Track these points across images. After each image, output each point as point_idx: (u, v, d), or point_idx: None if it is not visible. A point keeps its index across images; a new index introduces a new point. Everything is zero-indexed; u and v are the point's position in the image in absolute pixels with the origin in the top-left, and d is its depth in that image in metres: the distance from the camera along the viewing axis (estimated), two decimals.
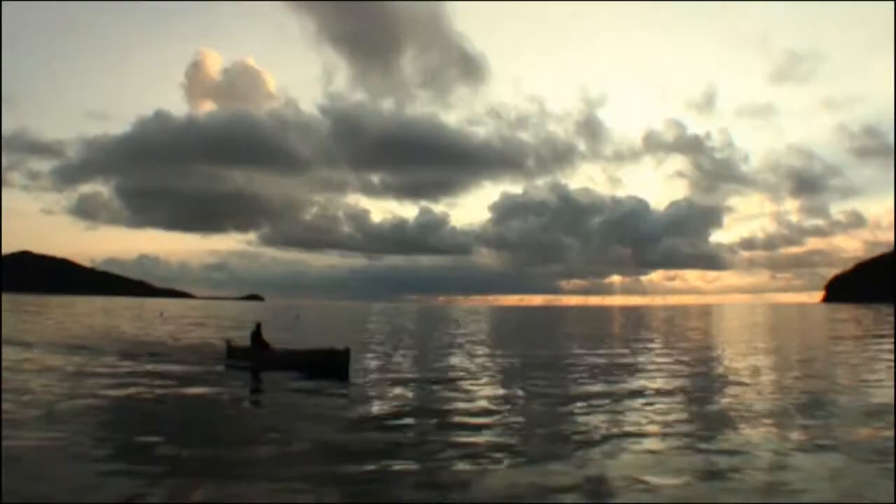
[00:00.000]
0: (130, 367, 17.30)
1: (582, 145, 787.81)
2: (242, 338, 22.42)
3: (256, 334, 19.89)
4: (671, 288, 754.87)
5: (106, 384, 13.98)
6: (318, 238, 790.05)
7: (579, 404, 12.06)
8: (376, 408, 11.75)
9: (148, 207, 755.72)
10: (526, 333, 41.57)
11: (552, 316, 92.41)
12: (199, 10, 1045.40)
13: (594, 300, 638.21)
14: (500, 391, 14.15)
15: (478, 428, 9.90)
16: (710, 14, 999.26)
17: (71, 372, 15.90)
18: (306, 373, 16.38)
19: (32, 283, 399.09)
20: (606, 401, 12.45)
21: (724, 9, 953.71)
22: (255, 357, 18.83)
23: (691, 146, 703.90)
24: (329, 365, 16.91)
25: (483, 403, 12.24)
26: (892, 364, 19.42)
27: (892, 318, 59.28)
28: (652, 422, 10.38)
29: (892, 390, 13.67)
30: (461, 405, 12.04)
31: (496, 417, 10.82)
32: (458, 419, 10.65)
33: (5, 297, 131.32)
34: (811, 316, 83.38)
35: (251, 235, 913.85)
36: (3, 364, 16.27)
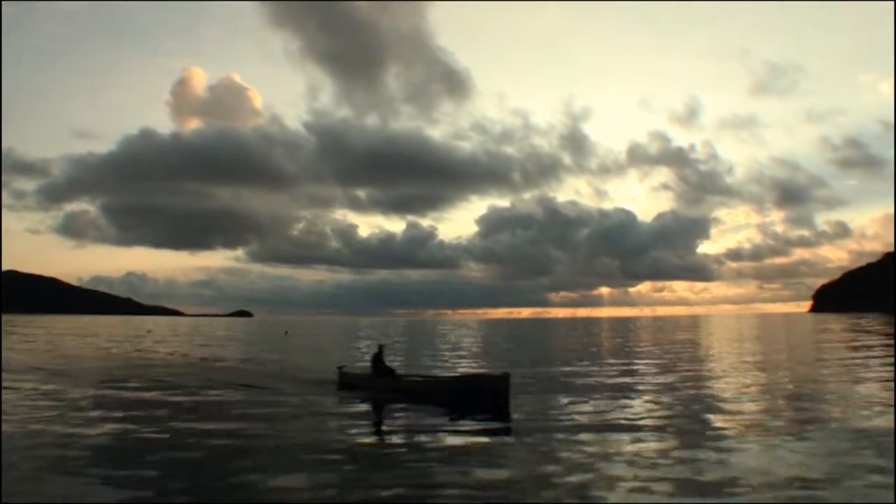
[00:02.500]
0: (237, 411, 14.55)
1: (567, 159, 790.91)
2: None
3: (378, 358, 17.38)
4: (659, 299, 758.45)
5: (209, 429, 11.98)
6: (305, 253, 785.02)
7: None
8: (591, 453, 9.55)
9: (135, 225, 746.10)
10: (527, 346, 40.16)
11: (543, 327, 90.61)
12: (183, 28, 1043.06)
13: (583, 312, 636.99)
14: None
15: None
16: (691, 28, 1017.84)
17: (184, 408, 14.07)
18: (446, 405, 13.60)
19: (18, 303, 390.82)
20: None
21: (704, 22, 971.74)
22: (377, 386, 16.38)
23: (676, 158, 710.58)
24: (482, 395, 14.01)
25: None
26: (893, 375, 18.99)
27: (879, 327, 59.42)
28: None
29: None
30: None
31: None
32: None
33: None
34: (802, 326, 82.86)
35: (239, 252, 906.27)
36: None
